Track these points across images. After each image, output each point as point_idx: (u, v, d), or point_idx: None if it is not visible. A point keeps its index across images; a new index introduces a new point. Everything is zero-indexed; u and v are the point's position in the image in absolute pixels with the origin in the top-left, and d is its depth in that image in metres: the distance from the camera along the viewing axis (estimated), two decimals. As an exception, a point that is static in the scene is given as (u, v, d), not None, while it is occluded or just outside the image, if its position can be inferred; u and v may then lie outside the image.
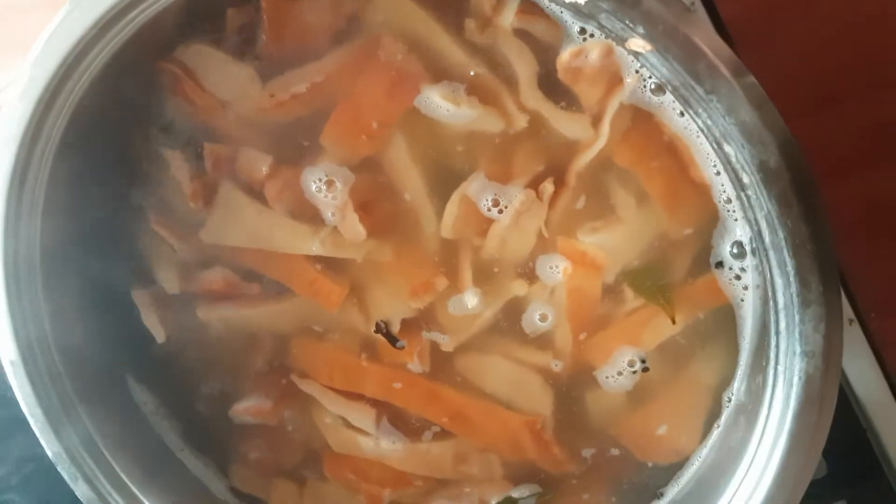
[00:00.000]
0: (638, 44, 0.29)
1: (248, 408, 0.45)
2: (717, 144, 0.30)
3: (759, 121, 0.29)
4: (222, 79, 0.38)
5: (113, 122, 0.40)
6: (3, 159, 0.35)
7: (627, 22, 0.29)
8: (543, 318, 0.41)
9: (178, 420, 0.46)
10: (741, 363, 0.39)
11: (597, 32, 0.34)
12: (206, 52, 0.38)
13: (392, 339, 0.42)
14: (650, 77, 0.34)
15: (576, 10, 0.30)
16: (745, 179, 0.31)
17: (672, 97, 0.34)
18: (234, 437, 0.46)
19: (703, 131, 0.31)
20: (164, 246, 0.42)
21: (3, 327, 0.38)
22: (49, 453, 0.40)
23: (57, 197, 0.38)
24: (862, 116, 0.39)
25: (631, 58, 0.34)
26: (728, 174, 0.33)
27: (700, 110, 0.30)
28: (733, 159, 0.30)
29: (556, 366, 0.42)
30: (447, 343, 0.42)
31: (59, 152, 0.38)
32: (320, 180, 0.39)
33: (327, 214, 0.41)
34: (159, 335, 0.43)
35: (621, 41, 0.30)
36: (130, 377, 0.45)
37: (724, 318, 0.39)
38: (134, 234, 0.43)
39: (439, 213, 0.40)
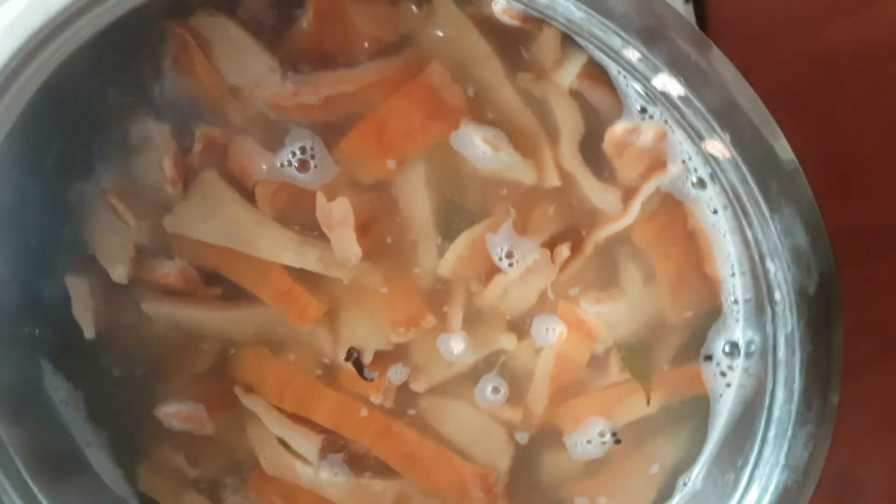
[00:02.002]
0: (717, 147, 0.29)
1: (178, 412, 0.42)
2: (761, 258, 0.31)
3: (811, 248, 0.30)
4: (239, 61, 0.35)
5: (101, 77, 0.35)
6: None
7: (715, 125, 0.29)
8: (496, 391, 0.40)
9: (92, 412, 0.42)
10: (705, 452, 0.40)
11: (657, 115, 0.34)
12: (228, 28, 0.34)
13: (361, 369, 0.40)
14: (696, 170, 0.34)
15: (665, 99, 0.29)
16: (778, 297, 0.32)
17: (711, 193, 0.35)
18: (152, 440, 0.43)
19: (748, 242, 0.32)
20: (118, 224, 0.37)
21: None
22: None
23: (13, 142, 0.33)
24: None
25: (681, 148, 0.34)
26: (753, 281, 0.33)
27: (755, 223, 0.30)
28: (772, 275, 0.31)
29: (524, 424, 0.41)
30: (419, 383, 0.40)
31: (29, 105, 0.34)
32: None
33: (322, 227, 0.37)
34: (88, 330, 0.39)
35: (699, 138, 0.30)
36: (46, 361, 0.40)
37: (698, 406, 0.40)
38: (87, 204, 0.38)
39: (441, 251, 0.38)
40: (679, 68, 0.29)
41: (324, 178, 0.37)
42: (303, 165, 0.37)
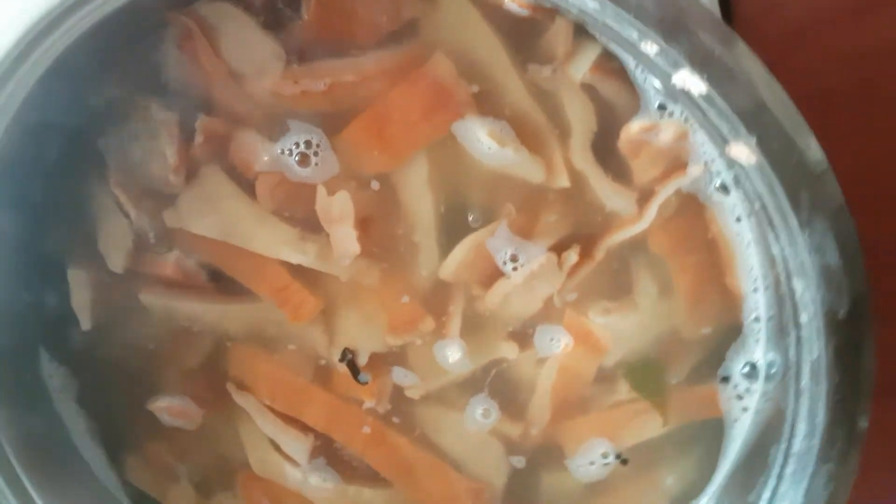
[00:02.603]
0: (743, 152, 0.26)
1: (170, 406, 0.41)
2: (787, 276, 0.28)
3: (844, 268, 0.27)
4: (243, 48, 0.33)
5: (104, 66, 0.34)
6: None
7: (741, 126, 0.26)
8: (486, 414, 0.38)
9: (84, 402, 0.41)
10: (715, 481, 0.38)
11: (677, 112, 0.31)
12: (232, 14, 0.33)
13: (356, 372, 0.38)
14: (719, 174, 0.31)
15: (686, 97, 0.26)
16: (804, 319, 0.29)
17: (735, 200, 0.32)
18: (143, 433, 0.42)
19: (774, 259, 0.29)
20: (118, 215, 0.36)
21: None
22: None
23: (15, 133, 0.32)
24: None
25: (703, 149, 0.31)
26: (777, 298, 0.30)
27: (782, 237, 0.27)
28: (798, 295, 0.28)
29: (524, 440, 0.39)
30: (414, 389, 0.38)
31: (40, 80, 0.32)
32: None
33: (322, 222, 0.35)
34: (85, 322, 0.39)
35: (722, 141, 0.27)
36: (43, 349, 0.39)
37: (710, 431, 0.37)
38: (88, 193, 0.36)
39: (442, 250, 0.36)
40: (701, 64, 0.27)
41: (325, 174, 0.35)
42: (304, 159, 0.35)
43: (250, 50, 0.33)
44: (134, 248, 0.37)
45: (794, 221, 0.27)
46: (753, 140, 0.26)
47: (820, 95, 0.30)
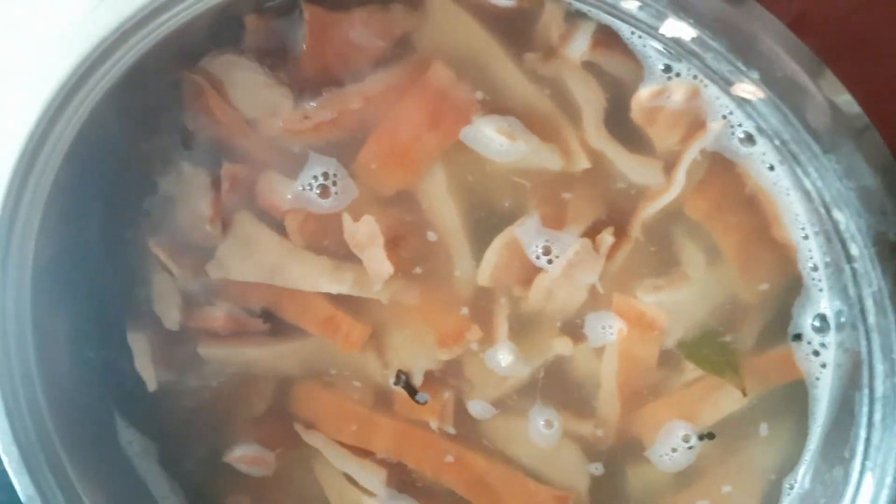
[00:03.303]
0: (748, 90, 0.25)
1: (243, 455, 0.42)
2: (826, 209, 0.27)
3: (883, 187, 0.25)
4: (251, 94, 0.35)
5: (124, 135, 0.36)
6: (3, 161, 0.31)
7: (740, 65, 0.25)
8: (548, 426, 0.37)
9: (166, 463, 0.43)
10: (809, 448, 0.35)
11: (684, 71, 0.30)
12: (235, 64, 0.35)
13: (412, 392, 0.38)
14: (740, 125, 0.30)
15: (675, 45, 0.26)
16: (855, 251, 0.27)
17: (763, 148, 0.30)
18: (224, 487, 0.42)
19: (808, 192, 0.27)
20: (165, 276, 0.38)
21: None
22: (22, 497, 0.36)
23: (55, 213, 0.35)
24: None
25: (719, 102, 0.30)
26: (827, 240, 0.29)
27: (811, 169, 0.26)
28: (842, 227, 0.27)
29: (598, 436, 0.37)
30: (474, 402, 0.38)
31: (63, 163, 0.34)
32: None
33: (352, 249, 0.36)
34: (151, 383, 0.40)
35: (727, 85, 0.26)
36: (118, 415, 0.41)
37: (793, 396, 0.35)
38: (135, 260, 0.38)
39: (476, 257, 0.36)
40: (684, 9, 0.26)
41: (346, 202, 0.36)
42: (324, 191, 0.36)
43: (258, 94, 0.35)
44: (184, 304, 0.39)
45: (818, 149, 0.26)
46: (756, 75, 0.25)
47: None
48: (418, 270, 0.37)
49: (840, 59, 0.25)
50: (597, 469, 0.38)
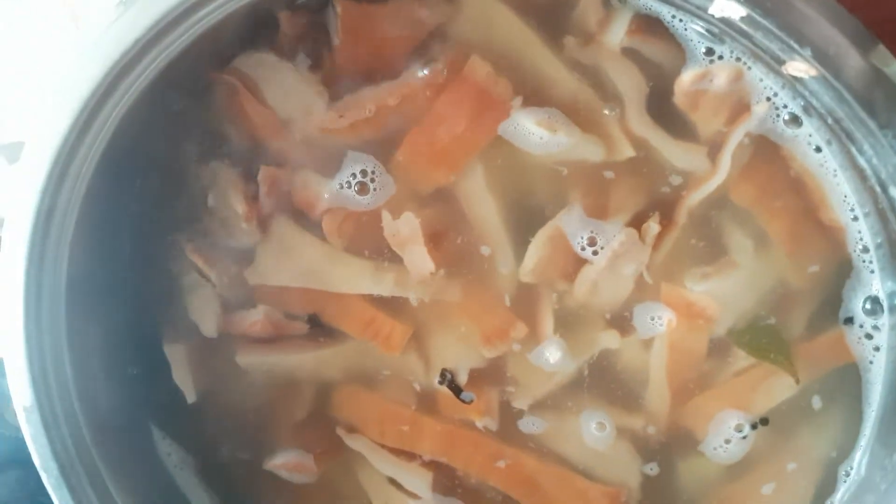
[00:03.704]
0: (800, 68, 0.25)
1: (285, 462, 0.41)
2: (881, 186, 0.26)
3: (942, 162, 0.25)
4: (285, 93, 0.34)
5: (157, 139, 0.36)
6: (33, 176, 0.31)
7: (792, 42, 0.25)
8: (601, 428, 0.36)
9: (205, 474, 0.42)
10: (864, 433, 0.35)
11: (727, 54, 0.30)
12: (269, 63, 0.34)
13: (458, 391, 0.38)
14: (785, 107, 0.30)
15: (725, 26, 0.25)
16: (912, 229, 0.26)
17: (810, 129, 0.30)
18: (266, 496, 0.42)
19: (862, 170, 0.27)
20: (202, 283, 0.38)
21: (19, 367, 0.33)
22: None
23: (88, 222, 0.34)
24: None
25: (763, 84, 0.30)
26: (879, 219, 0.28)
27: (866, 146, 0.26)
28: (899, 204, 0.26)
29: (648, 431, 0.37)
30: (521, 400, 0.37)
31: (96, 171, 0.34)
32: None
33: (393, 247, 0.36)
34: (190, 394, 0.40)
35: (777, 64, 0.26)
36: (155, 426, 0.41)
37: (847, 381, 0.35)
38: (170, 267, 0.38)
39: (518, 253, 0.36)
40: (734, -13, 0.26)
41: (385, 198, 0.36)
42: (362, 188, 0.36)
43: (293, 94, 0.35)
44: (222, 312, 0.38)
45: (873, 125, 0.25)
46: (808, 52, 0.25)
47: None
48: (459, 267, 0.37)
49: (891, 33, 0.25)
50: (651, 469, 0.38)
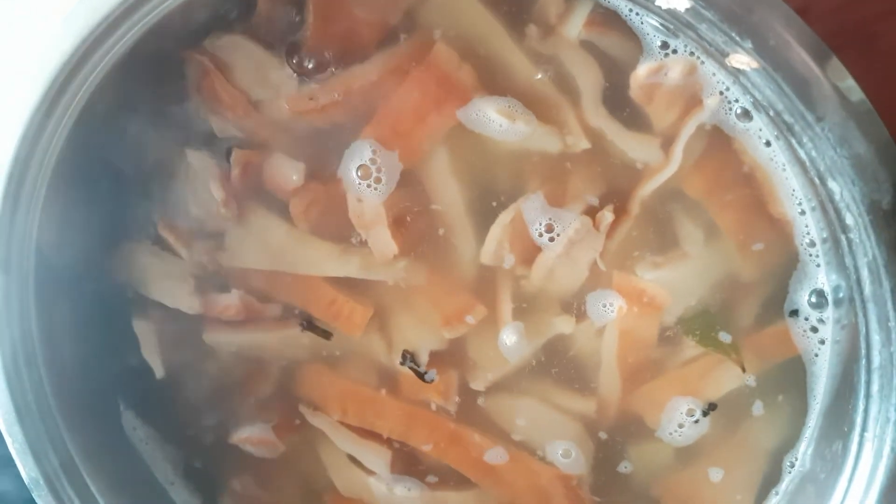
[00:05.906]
0: (742, 60, 0.26)
1: (249, 437, 0.42)
2: (820, 179, 0.27)
3: (875, 155, 0.26)
4: (256, 75, 0.35)
5: (127, 117, 0.37)
6: (4, 145, 0.31)
7: (734, 35, 0.26)
8: (555, 411, 0.37)
9: (170, 449, 0.43)
10: (809, 425, 0.36)
11: (681, 48, 0.31)
12: (240, 45, 0.35)
13: (419, 372, 0.39)
14: (736, 101, 0.31)
15: (672, 18, 0.26)
16: (850, 221, 0.27)
17: (760, 124, 0.31)
18: (229, 471, 0.43)
19: (803, 163, 0.28)
20: (173, 260, 0.38)
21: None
22: (25, 478, 0.37)
23: (58, 194, 0.35)
24: None
25: (716, 79, 0.31)
26: (823, 213, 0.29)
27: (805, 139, 0.27)
28: (837, 197, 0.27)
29: (600, 415, 0.38)
30: (478, 382, 0.38)
31: (65, 148, 0.35)
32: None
33: (357, 228, 0.37)
34: (158, 370, 0.40)
35: (722, 56, 0.27)
36: (122, 401, 0.42)
37: (791, 373, 0.36)
38: (141, 244, 0.39)
39: (479, 237, 0.37)
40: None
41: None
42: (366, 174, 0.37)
43: (263, 75, 0.36)
44: (196, 292, 0.39)
45: (810, 117, 0.26)
46: (749, 44, 0.26)
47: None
48: (422, 250, 0.38)
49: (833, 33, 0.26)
50: (602, 453, 0.39)
